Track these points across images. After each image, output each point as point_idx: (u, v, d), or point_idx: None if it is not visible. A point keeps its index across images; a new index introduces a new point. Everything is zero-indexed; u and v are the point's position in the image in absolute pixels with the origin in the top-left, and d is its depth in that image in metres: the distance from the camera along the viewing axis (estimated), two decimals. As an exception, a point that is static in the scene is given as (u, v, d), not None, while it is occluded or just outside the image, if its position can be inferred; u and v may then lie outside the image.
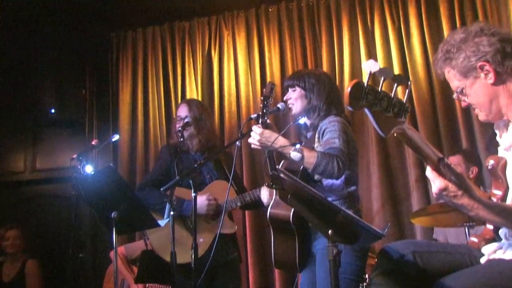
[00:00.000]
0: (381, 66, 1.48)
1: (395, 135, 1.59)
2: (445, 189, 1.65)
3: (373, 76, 1.48)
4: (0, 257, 5.42)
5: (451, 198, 1.67)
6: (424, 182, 4.87)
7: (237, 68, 5.80)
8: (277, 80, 5.45)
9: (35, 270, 5.33)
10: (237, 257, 3.84)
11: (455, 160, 4.04)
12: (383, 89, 1.48)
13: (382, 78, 1.48)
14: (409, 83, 1.58)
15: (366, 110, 1.47)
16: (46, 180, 6.50)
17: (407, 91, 1.58)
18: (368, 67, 1.46)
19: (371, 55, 5.32)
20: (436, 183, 1.66)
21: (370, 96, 1.43)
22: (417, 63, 5.16)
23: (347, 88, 1.41)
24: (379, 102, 1.46)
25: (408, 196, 5.02)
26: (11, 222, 5.51)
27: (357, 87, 1.41)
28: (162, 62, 6.08)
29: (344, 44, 5.43)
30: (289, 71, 5.41)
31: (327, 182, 2.90)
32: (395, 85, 1.53)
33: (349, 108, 1.43)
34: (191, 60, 6.00)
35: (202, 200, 3.61)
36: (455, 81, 2.04)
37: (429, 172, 1.68)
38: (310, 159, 2.70)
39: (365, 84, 1.42)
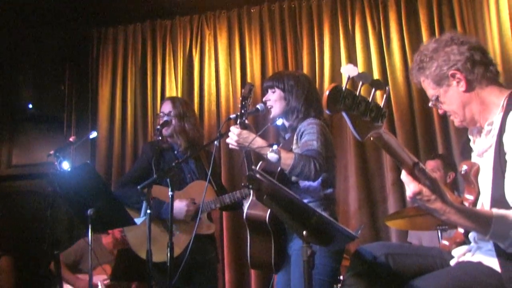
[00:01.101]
0: (360, 71, 1.50)
1: (371, 139, 1.62)
2: (419, 193, 1.69)
3: (351, 80, 1.51)
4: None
5: (424, 202, 1.70)
6: (400, 186, 4.92)
7: (217, 67, 5.82)
8: (257, 81, 5.47)
9: (8, 266, 5.27)
10: (215, 258, 3.84)
11: (433, 165, 4.10)
12: (361, 93, 1.50)
13: (361, 83, 1.51)
14: (387, 88, 1.62)
15: (344, 114, 1.49)
16: (22, 176, 6.40)
17: (384, 96, 1.61)
18: (347, 71, 1.48)
19: (351, 58, 5.37)
20: (410, 187, 1.69)
21: (348, 100, 1.46)
22: (396, 68, 5.23)
23: (325, 91, 1.42)
24: (357, 106, 1.48)
25: (384, 199, 5.08)
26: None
27: (335, 91, 1.43)
28: (142, 60, 6.08)
29: (324, 47, 5.48)
30: (270, 72, 5.44)
31: (304, 183, 2.92)
32: (373, 90, 1.55)
33: (327, 112, 1.45)
34: (172, 59, 6.00)
35: (181, 206, 3.60)
36: (430, 90, 2.10)
37: (404, 176, 1.71)
38: (287, 160, 2.72)
39: (343, 88, 1.44)
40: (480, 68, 2.00)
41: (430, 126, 5.07)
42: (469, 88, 2.01)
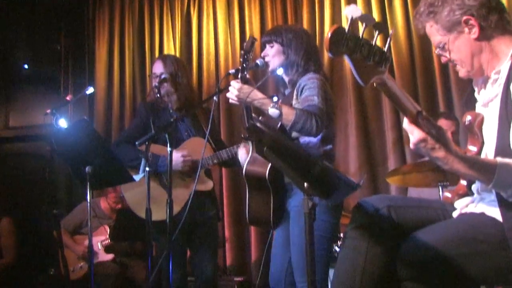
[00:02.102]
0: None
1: (374, 85, 1.58)
2: (424, 140, 1.64)
3: (353, 24, 1.45)
4: (-28, 214, 5.35)
5: (428, 150, 1.66)
6: (400, 145, 4.90)
7: (216, 26, 5.74)
8: (257, 39, 5.36)
9: (9, 228, 5.28)
10: (215, 215, 3.83)
11: (447, 124, 4.02)
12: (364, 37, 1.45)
13: (364, 25, 1.45)
14: (390, 31, 1.55)
15: (346, 57, 1.44)
16: (20, 138, 6.40)
17: (388, 40, 1.56)
18: (350, 12, 1.42)
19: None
20: (415, 134, 1.64)
21: (351, 42, 1.40)
22: (398, 26, 5.08)
23: (328, 33, 1.37)
24: (360, 49, 1.43)
25: (384, 159, 5.05)
26: (-17, 180, 5.43)
27: (338, 33, 1.38)
28: (140, 18, 6.00)
29: (325, 3, 5.36)
30: (269, 30, 5.33)
31: (303, 139, 2.88)
32: (376, 33, 1.50)
33: (329, 55, 1.40)
34: (170, 18, 5.92)
35: (177, 157, 3.56)
36: (437, 36, 2.00)
37: (407, 124, 1.67)
38: (289, 116, 2.67)
39: (346, 30, 1.39)
40: (495, 15, 1.91)
41: (431, 79, 4.96)
42: (482, 36, 1.92)
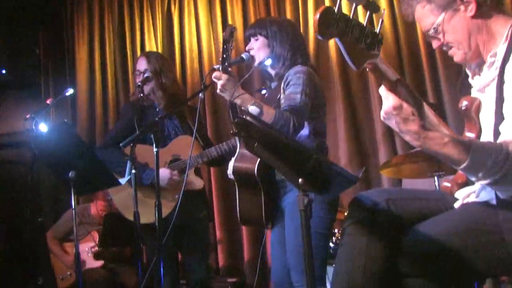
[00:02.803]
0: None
1: (367, 69, 1.48)
2: (398, 107, 1.53)
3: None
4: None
5: (401, 120, 1.55)
6: (391, 136, 4.82)
7: (198, 23, 5.64)
8: (239, 35, 5.24)
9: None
10: (205, 216, 3.74)
11: None
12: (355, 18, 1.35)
13: (354, 4, 1.35)
14: (383, 11, 1.45)
15: (337, 40, 1.34)
16: (2, 145, 6.27)
17: (380, 20, 1.46)
18: (340, -10, 1.32)
19: (335, 2, 5.14)
20: (390, 99, 1.54)
21: (341, 23, 1.31)
22: (381, 4, 4.97)
23: (316, 14, 1.27)
24: (351, 31, 1.34)
25: (375, 151, 4.97)
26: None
27: (327, 13, 1.28)
28: (119, 18, 5.89)
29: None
30: (253, 24, 5.23)
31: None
32: (368, 13, 1.40)
33: (319, 37, 1.29)
34: (150, 15, 5.82)
35: (164, 174, 3.46)
36: (430, 17, 1.88)
37: (383, 89, 1.56)
38: (268, 116, 2.56)
39: (336, 10, 1.29)
40: None
41: (418, 67, 4.86)
42: (479, 13, 1.82)
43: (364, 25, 1.37)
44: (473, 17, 1.83)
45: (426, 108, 1.73)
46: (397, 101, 1.53)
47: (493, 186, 1.69)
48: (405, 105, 1.53)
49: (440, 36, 1.89)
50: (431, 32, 1.90)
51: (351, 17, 1.32)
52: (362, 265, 1.81)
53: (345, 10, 1.39)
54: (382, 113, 1.58)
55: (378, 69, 1.48)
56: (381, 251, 1.82)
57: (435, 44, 1.94)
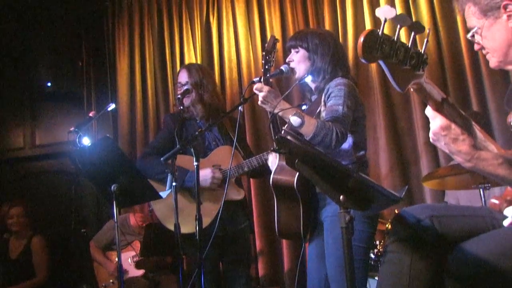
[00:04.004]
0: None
1: (411, 90, 1.46)
2: (446, 128, 1.50)
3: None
4: (5, 234, 5.35)
5: (450, 141, 1.52)
6: (432, 145, 4.69)
7: (236, 33, 5.64)
8: (278, 44, 5.23)
9: (41, 246, 5.27)
10: (247, 227, 3.73)
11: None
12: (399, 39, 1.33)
13: (398, 26, 1.33)
14: (427, 31, 1.43)
15: (381, 63, 1.32)
16: (46, 156, 6.42)
17: (425, 40, 1.43)
18: (383, 13, 1.30)
19: (375, 15, 5.09)
20: (437, 121, 1.51)
21: (386, 46, 1.29)
22: (424, 22, 4.93)
23: (360, 37, 1.26)
24: (395, 53, 1.32)
25: (416, 160, 4.88)
26: (13, 199, 5.42)
27: (371, 37, 1.27)
28: (159, 30, 5.94)
29: (347, 2, 5.22)
30: (291, 34, 5.20)
31: (334, 147, 2.77)
32: (413, 33, 1.38)
33: (363, 61, 1.28)
34: (189, 27, 5.85)
35: (206, 173, 3.48)
36: (473, 20, 1.85)
37: (429, 110, 1.53)
38: (310, 127, 2.55)
39: (380, 33, 1.27)
40: None
41: (461, 76, 4.77)
42: None
43: (409, 46, 1.35)
44: None
45: (474, 125, 1.70)
46: (445, 122, 1.50)
47: None
48: (453, 125, 1.50)
49: (479, 40, 1.86)
50: (471, 34, 1.87)
51: (395, 39, 1.31)
52: (406, 284, 1.78)
53: (388, 30, 1.38)
54: (430, 135, 1.55)
55: (423, 89, 1.46)
56: (425, 270, 1.79)
57: (475, 47, 1.91)
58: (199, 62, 5.65)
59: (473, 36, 1.87)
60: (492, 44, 1.83)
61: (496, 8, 1.78)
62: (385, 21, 1.32)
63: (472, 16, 1.85)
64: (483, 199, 3.21)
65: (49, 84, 6.28)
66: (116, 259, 4.76)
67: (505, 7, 1.76)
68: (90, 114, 4.03)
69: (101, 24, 6.14)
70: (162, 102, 5.77)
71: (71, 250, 5.34)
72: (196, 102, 3.70)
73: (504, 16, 1.78)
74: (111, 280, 4.84)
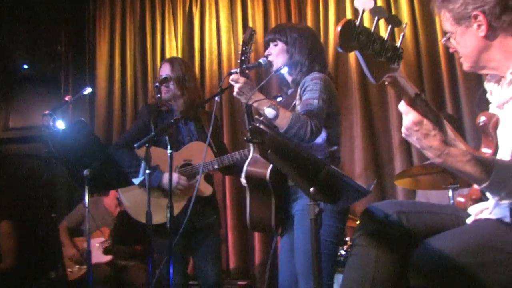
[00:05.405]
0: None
1: (386, 83, 1.47)
2: (419, 123, 1.53)
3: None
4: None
5: (421, 136, 1.54)
6: (407, 146, 4.78)
7: (219, 25, 5.65)
8: (260, 38, 5.26)
9: (9, 230, 5.20)
10: (215, 221, 3.73)
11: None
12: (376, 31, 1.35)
13: (376, 18, 1.35)
14: (403, 25, 1.45)
15: (357, 53, 1.34)
16: (20, 139, 6.31)
17: (401, 34, 1.45)
18: (361, 4, 1.32)
19: (357, 13, 5.11)
20: (409, 116, 1.53)
21: (362, 37, 1.30)
22: (403, 16, 4.95)
23: (338, 26, 1.27)
24: (372, 44, 1.33)
25: (391, 159, 4.94)
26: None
27: (349, 26, 1.28)
28: (141, 17, 5.92)
29: (329, 1, 5.24)
30: (273, 28, 5.22)
31: (307, 141, 2.78)
32: (390, 27, 1.40)
33: (339, 50, 1.29)
34: (172, 17, 5.84)
35: (173, 179, 3.46)
36: (448, 25, 1.93)
37: (403, 105, 1.55)
38: (284, 119, 2.56)
39: (357, 23, 1.28)
40: (509, 16, 1.81)
41: (438, 78, 4.82)
42: (490, 35, 1.84)
43: (385, 38, 1.36)
44: (484, 37, 1.85)
45: (445, 123, 1.73)
46: (417, 117, 1.52)
47: None
48: (425, 120, 1.53)
49: (454, 44, 1.94)
50: (445, 39, 1.96)
51: (372, 30, 1.32)
52: (370, 277, 1.80)
53: (366, 23, 1.39)
54: (403, 129, 1.58)
55: (397, 83, 1.47)
56: (391, 264, 1.81)
57: (450, 49, 2.00)
58: (179, 52, 5.65)
59: (448, 39, 1.94)
60: (464, 50, 1.92)
61: (467, 17, 1.85)
62: (363, 12, 1.33)
63: (446, 22, 1.93)
64: (451, 200, 3.28)
65: (25, 66, 6.18)
66: (81, 247, 4.74)
67: (475, 17, 1.83)
68: (66, 98, 3.99)
69: (82, 8, 6.08)
70: (141, 90, 5.75)
71: (41, 235, 5.28)
72: (177, 97, 3.69)
73: (475, 25, 1.85)
74: (77, 266, 4.78)
